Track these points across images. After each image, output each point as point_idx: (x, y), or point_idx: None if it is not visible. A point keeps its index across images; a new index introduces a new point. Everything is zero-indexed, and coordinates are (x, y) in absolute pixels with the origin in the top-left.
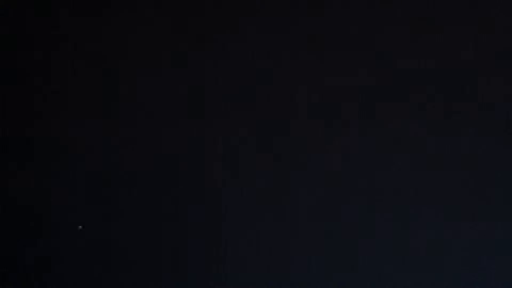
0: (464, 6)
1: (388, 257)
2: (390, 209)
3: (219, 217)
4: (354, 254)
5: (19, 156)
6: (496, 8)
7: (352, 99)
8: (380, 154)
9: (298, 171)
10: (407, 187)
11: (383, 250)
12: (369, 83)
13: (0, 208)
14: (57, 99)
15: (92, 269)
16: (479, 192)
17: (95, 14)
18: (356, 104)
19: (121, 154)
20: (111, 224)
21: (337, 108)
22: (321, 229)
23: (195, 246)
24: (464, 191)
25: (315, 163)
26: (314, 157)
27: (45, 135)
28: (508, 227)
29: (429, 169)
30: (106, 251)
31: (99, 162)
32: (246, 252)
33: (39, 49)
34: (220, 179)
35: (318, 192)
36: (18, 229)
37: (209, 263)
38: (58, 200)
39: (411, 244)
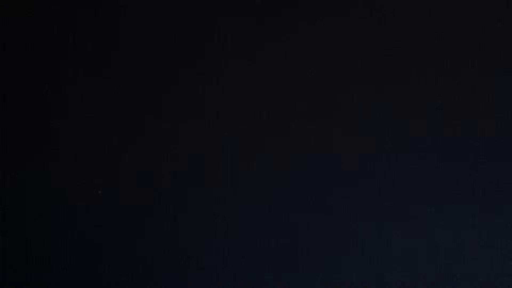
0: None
1: (387, 258)
2: (390, 209)
3: (216, 218)
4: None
5: (20, 155)
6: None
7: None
8: (379, 154)
9: (297, 171)
10: (407, 187)
11: (382, 251)
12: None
13: (1, 208)
14: (56, 100)
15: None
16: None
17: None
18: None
19: (121, 154)
20: (112, 224)
21: (336, 108)
22: (321, 229)
23: (194, 247)
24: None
25: (314, 163)
26: (313, 158)
27: (46, 135)
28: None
29: (429, 170)
30: (106, 250)
31: (100, 162)
32: (245, 251)
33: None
34: (220, 180)
35: (317, 192)
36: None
37: (209, 264)
38: (58, 202)
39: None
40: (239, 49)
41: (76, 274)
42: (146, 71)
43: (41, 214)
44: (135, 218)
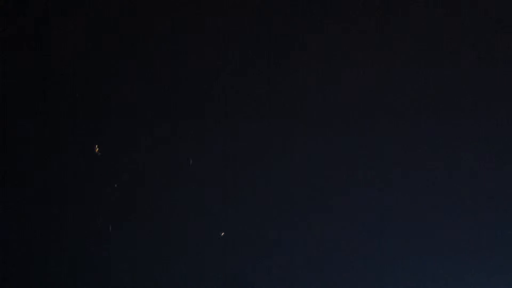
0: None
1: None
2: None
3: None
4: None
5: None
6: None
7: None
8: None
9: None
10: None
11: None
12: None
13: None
14: (56, 100)
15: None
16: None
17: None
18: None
19: (121, 153)
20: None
21: (337, 111)
22: (321, 228)
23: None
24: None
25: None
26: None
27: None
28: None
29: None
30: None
31: (96, 161)
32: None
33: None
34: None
35: (316, 192)
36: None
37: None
38: (58, 199)
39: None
40: (238, 50)
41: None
42: (145, 72)
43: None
44: (133, 216)
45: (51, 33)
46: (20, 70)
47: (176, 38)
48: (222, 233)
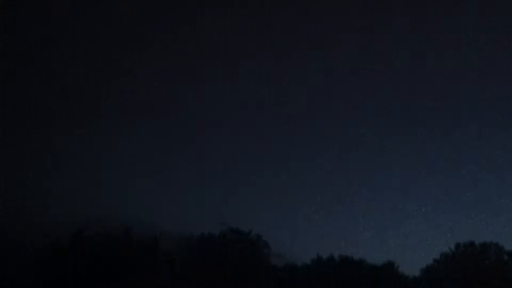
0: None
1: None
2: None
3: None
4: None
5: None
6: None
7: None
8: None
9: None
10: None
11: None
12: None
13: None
14: (57, 102)
15: None
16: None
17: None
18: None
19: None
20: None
21: (335, 109)
22: (322, 226)
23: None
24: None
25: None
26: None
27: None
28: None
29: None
30: None
31: (97, 163)
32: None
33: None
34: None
35: (315, 191)
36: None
37: None
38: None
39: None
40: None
41: None
42: (147, 74)
43: None
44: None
45: None
46: None
47: (174, 37)
48: None
